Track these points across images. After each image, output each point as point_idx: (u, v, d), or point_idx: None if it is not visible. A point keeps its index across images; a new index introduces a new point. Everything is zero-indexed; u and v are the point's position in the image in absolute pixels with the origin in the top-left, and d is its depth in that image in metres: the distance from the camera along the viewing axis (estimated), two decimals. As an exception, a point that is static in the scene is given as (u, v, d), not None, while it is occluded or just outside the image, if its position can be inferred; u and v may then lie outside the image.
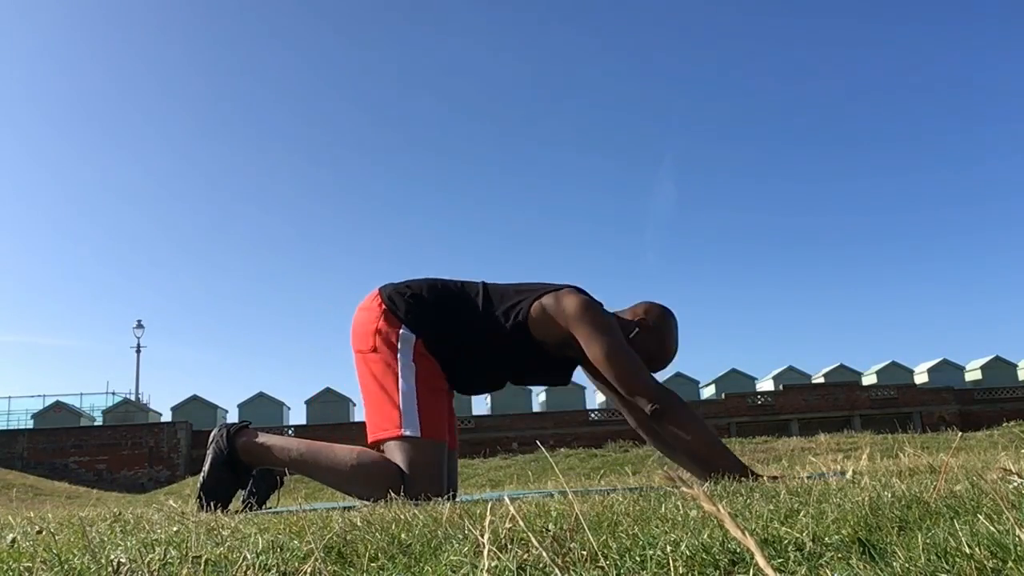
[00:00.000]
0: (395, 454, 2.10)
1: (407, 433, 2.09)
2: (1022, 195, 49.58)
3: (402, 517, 1.37)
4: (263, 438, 2.22)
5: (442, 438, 2.14)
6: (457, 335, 2.22)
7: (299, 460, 2.18)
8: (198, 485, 2.22)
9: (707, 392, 30.09)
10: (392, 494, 1.87)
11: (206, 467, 2.21)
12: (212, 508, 2.09)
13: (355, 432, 27.40)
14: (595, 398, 29.12)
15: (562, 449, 16.89)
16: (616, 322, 2.20)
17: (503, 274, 51.78)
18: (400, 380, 2.14)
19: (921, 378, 30.16)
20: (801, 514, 1.06)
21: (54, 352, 53.72)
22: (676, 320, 2.32)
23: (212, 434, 2.26)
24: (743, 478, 1.98)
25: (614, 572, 0.80)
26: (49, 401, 28.79)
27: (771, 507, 1.17)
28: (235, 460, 2.20)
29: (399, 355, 2.17)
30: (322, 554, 0.96)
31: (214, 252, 53.35)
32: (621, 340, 2.13)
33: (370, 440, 2.17)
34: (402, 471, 2.08)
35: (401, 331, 2.19)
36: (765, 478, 1.96)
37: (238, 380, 55.93)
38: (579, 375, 2.46)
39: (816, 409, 26.98)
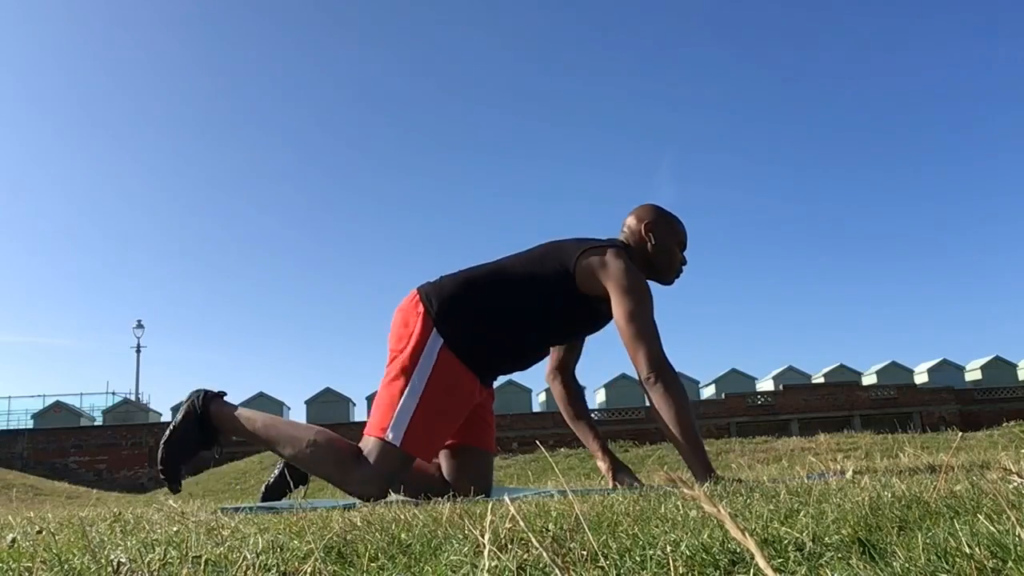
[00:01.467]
0: (368, 451, 2.12)
1: (388, 437, 2.10)
2: (1023, 194, 49.61)
3: (402, 517, 1.37)
4: (234, 408, 2.28)
5: (421, 456, 2.16)
6: (498, 312, 2.23)
7: (261, 431, 2.22)
8: (163, 438, 2.23)
9: (707, 392, 30.09)
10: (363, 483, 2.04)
11: (177, 419, 2.24)
12: (174, 462, 2.18)
13: (355, 432, 26.83)
14: (595, 398, 29.15)
15: (562, 449, 16.85)
16: (649, 291, 2.23)
17: (503, 274, 51.58)
18: (407, 390, 2.14)
19: (921, 378, 30.14)
20: (801, 514, 1.06)
21: (54, 352, 53.71)
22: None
23: (187, 396, 2.30)
24: (704, 478, 2.04)
25: (614, 572, 0.80)
26: (49, 401, 28.79)
27: (771, 507, 1.17)
28: (207, 422, 2.24)
29: (420, 363, 2.16)
30: (322, 554, 0.96)
31: (214, 252, 53.38)
32: (650, 308, 2.19)
33: (364, 433, 2.19)
34: (360, 457, 2.11)
35: (432, 334, 2.18)
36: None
37: (239, 380, 55.84)
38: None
39: (816, 409, 26.96)
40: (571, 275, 2.22)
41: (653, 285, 2.32)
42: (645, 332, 2.14)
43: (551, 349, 2.53)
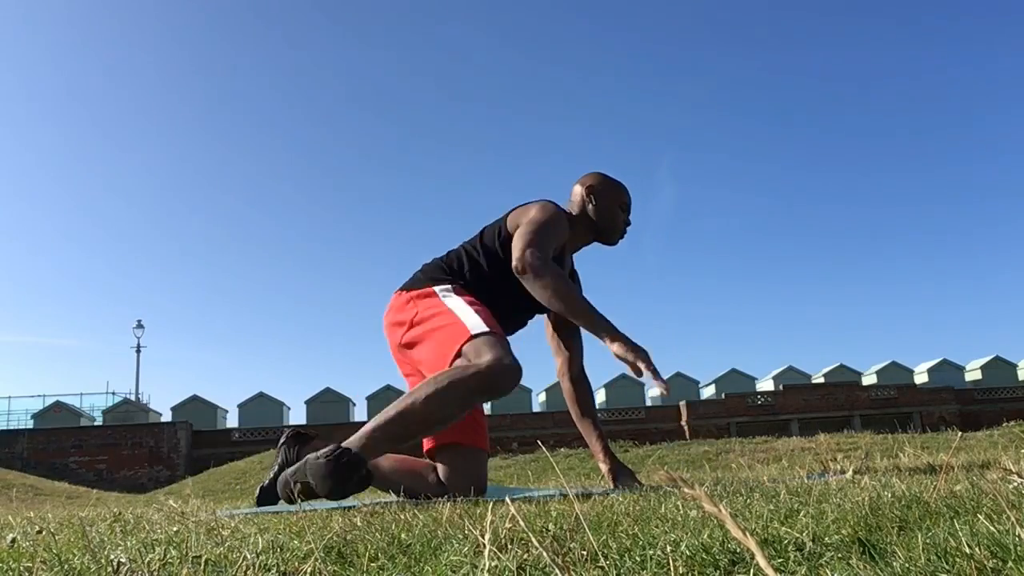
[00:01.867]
0: (473, 355, 2.03)
1: (476, 332, 2.07)
2: (1022, 194, 49.61)
3: (402, 517, 1.37)
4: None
5: (502, 332, 2.15)
6: (470, 282, 2.32)
7: (385, 428, 2.03)
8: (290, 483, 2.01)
9: (707, 392, 30.08)
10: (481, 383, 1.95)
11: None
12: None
13: (354, 432, 27.30)
14: (595, 398, 29.16)
15: (562, 449, 16.84)
16: (564, 221, 2.33)
17: (503, 274, 51.69)
18: (449, 307, 2.18)
19: (921, 378, 30.16)
20: (801, 514, 1.07)
21: (54, 352, 53.71)
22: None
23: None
24: (606, 337, 2.06)
25: (614, 572, 0.80)
26: (49, 401, 28.81)
27: (771, 507, 1.17)
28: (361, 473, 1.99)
29: (440, 296, 2.23)
30: (322, 554, 0.96)
31: (214, 252, 53.39)
32: (550, 233, 2.25)
33: (451, 366, 2.05)
34: (468, 360, 2.03)
35: (434, 288, 2.27)
36: (626, 345, 2.03)
37: (238, 380, 55.94)
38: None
39: (816, 409, 26.98)
40: (505, 232, 2.32)
41: (605, 250, 2.50)
42: (530, 235, 2.19)
43: (555, 344, 2.58)
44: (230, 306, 53.19)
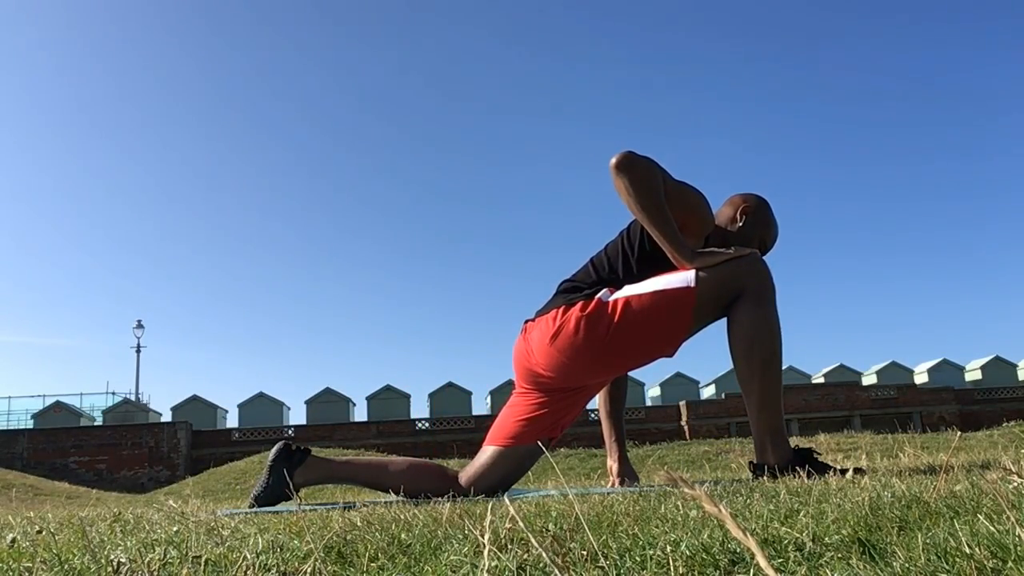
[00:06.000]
0: (738, 279, 2.11)
1: (691, 284, 2.09)
2: (1023, 193, 49.63)
3: (402, 517, 1.37)
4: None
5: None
6: (627, 279, 2.23)
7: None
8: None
9: (707, 392, 30.05)
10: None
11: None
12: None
13: (354, 432, 27.46)
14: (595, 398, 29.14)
15: (562, 449, 16.85)
16: (708, 212, 2.28)
17: (498, 275, 51.75)
18: (630, 293, 2.12)
19: (921, 378, 30.17)
20: (801, 514, 1.06)
21: (54, 352, 53.75)
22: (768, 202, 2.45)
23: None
24: (683, 257, 2.09)
25: (614, 572, 0.80)
26: (49, 401, 28.84)
27: (771, 507, 1.17)
28: None
29: (611, 297, 2.14)
30: (322, 554, 0.96)
31: (214, 252, 53.40)
32: (688, 190, 2.28)
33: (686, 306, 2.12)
34: (745, 299, 2.13)
35: (597, 296, 2.16)
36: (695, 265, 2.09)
37: (238, 380, 55.95)
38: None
39: (816, 409, 26.98)
40: (634, 227, 2.28)
41: None
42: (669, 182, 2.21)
43: None
44: (230, 306, 53.24)
